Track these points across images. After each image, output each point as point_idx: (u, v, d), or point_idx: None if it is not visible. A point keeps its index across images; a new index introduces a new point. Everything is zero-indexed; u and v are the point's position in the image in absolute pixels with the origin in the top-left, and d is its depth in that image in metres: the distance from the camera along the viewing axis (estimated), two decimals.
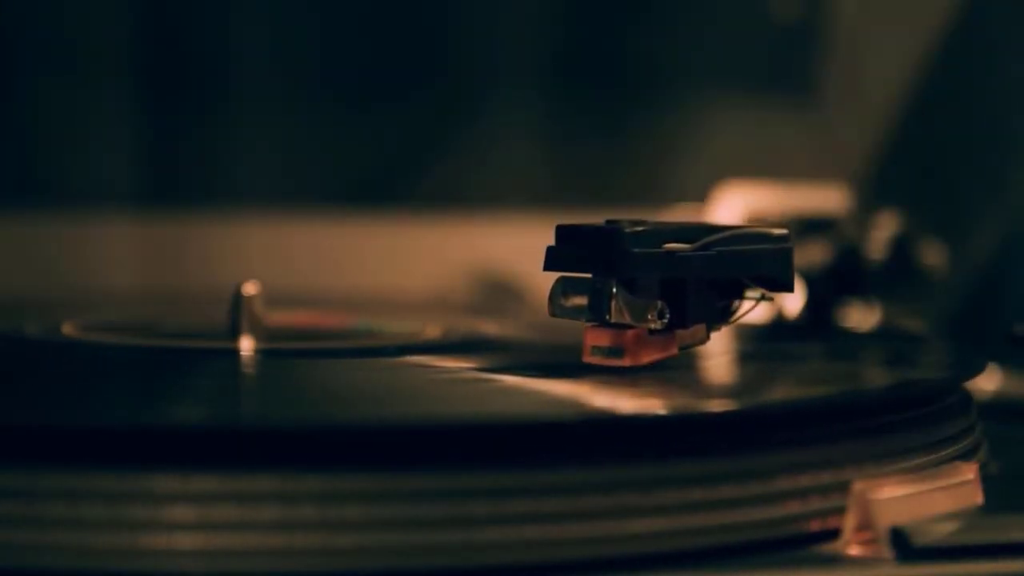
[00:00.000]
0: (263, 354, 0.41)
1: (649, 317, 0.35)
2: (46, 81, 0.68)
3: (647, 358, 0.35)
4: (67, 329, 0.45)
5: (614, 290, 0.34)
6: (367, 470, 0.28)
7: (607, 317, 0.35)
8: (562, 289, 0.35)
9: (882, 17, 0.70)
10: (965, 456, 0.35)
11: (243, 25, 0.69)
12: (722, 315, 0.37)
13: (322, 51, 0.71)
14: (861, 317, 0.55)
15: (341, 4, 0.70)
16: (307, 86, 0.71)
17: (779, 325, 0.53)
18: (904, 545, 0.29)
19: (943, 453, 0.34)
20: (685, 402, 0.33)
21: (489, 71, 0.71)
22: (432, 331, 0.46)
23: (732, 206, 0.59)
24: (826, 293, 0.55)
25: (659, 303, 0.35)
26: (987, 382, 0.48)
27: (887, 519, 0.30)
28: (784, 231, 0.37)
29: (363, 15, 0.70)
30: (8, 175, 0.68)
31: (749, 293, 0.37)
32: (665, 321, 0.35)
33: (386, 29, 0.71)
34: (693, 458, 0.30)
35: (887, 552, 0.29)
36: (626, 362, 0.35)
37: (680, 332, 0.36)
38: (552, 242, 0.35)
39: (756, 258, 0.36)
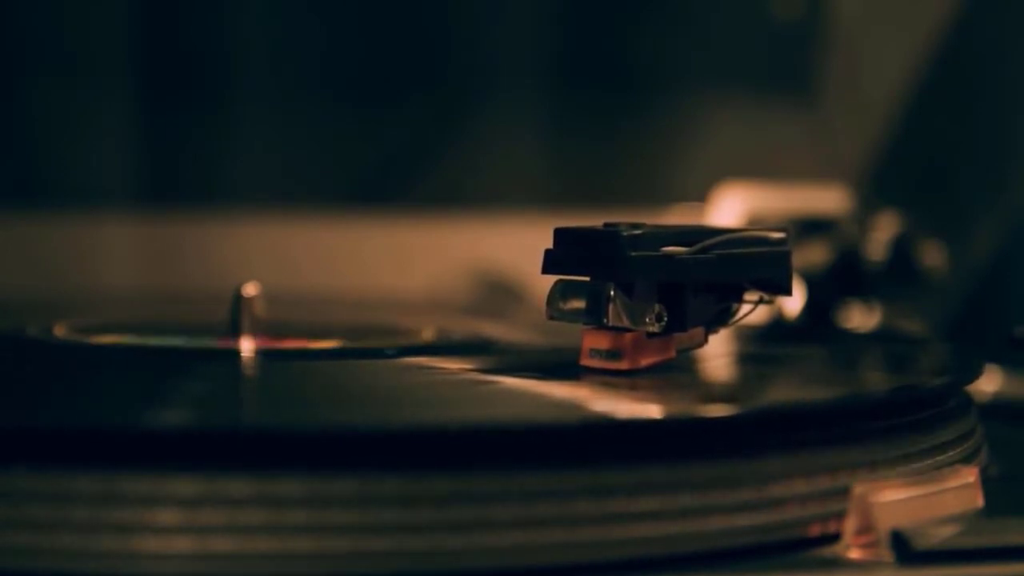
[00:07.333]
0: (263, 355, 0.41)
1: (647, 320, 0.35)
2: (46, 81, 0.68)
3: (645, 361, 0.35)
4: (66, 330, 0.45)
5: (612, 293, 0.34)
6: (361, 472, 0.28)
7: (605, 320, 0.34)
8: (560, 292, 0.35)
9: (882, 17, 0.70)
10: (966, 459, 0.35)
11: (243, 25, 0.69)
12: (720, 318, 0.37)
13: (322, 51, 0.71)
14: (861, 318, 0.55)
15: (341, 4, 0.70)
16: (307, 86, 0.71)
17: (779, 327, 0.52)
18: (905, 548, 0.29)
19: (944, 456, 0.34)
20: (685, 406, 0.33)
21: (489, 71, 0.71)
22: (431, 332, 0.46)
23: (732, 207, 0.59)
24: (826, 294, 0.55)
25: (657, 306, 0.35)
26: (988, 384, 0.47)
27: (888, 522, 0.30)
28: (782, 234, 0.36)
29: (363, 15, 0.70)
30: (8, 175, 0.68)
31: (747, 296, 0.37)
32: (663, 324, 0.35)
33: (386, 29, 0.71)
34: (693, 462, 0.29)
35: (888, 555, 0.29)
36: (624, 365, 0.35)
37: (678, 335, 0.36)
38: (551, 244, 0.35)
39: (754, 261, 0.36)
